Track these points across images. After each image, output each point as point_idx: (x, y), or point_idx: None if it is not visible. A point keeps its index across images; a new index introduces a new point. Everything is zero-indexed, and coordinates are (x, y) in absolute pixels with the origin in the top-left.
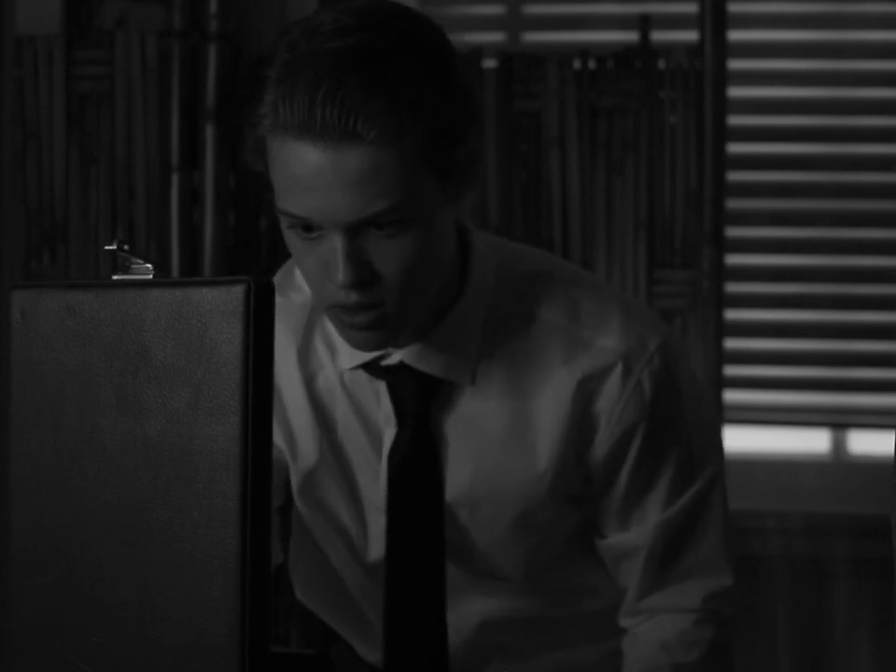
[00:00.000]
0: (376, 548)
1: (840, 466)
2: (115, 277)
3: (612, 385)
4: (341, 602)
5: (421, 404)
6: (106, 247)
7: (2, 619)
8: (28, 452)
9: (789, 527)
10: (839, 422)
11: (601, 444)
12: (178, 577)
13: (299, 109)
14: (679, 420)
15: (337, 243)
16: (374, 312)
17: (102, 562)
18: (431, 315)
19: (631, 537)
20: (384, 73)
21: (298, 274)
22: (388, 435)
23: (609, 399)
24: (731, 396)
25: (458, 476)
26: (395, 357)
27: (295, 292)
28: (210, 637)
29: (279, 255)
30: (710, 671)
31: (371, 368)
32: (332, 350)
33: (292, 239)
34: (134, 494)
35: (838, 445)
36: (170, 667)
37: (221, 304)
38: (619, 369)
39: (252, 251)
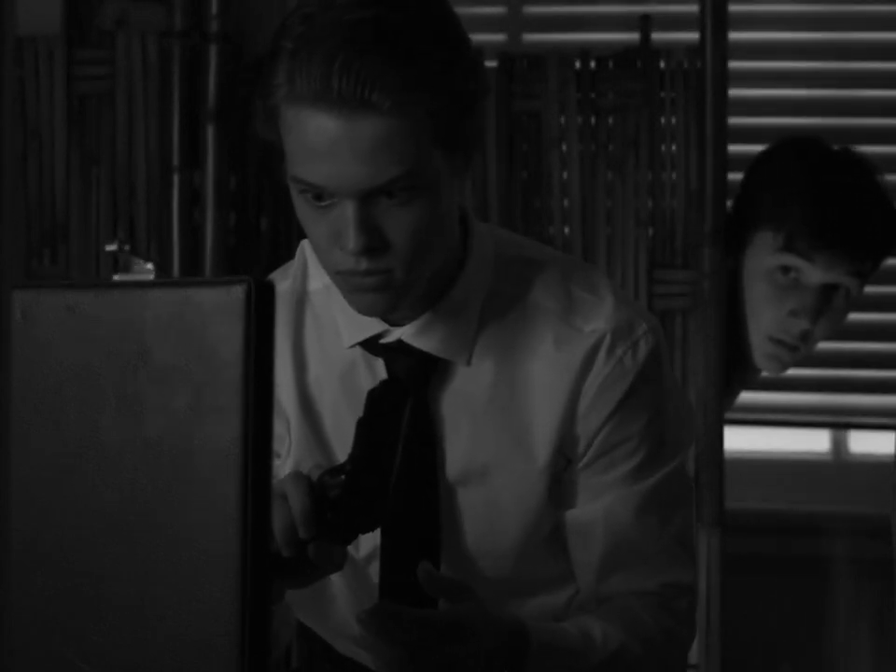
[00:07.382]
0: (367, 540)
1: (840, 466)
2: (115, 277)
3: (599, 361)
4: (324, 601)
5: (418, 382)
6: (107, 247)
7: (2, 619)
8: (28, 452)
9: (789, 527)
10: (839, 422)
11: (582, 418)
12: (178, 577)
13: (315, 79)
14: (656, 401)
15: (349, 210)
16: (382, 276)
17: (102, 562)
18: (432, 293)
19: (596, 507)
20: (399, 45)
21: (289, 263)
22: None
23: (595, 375)
24: None
25: (454, 455)
26: (394, 335)
27: (280, 280)
28: (210, 637)
29: (279, 255)
30: (662, 655)
31: (370, 346)
32: (322, 338)
33: (302, 206)
34: (134, 494)
35: (838, 445)
36: (170, 667)
37: (221, 304)
38: (605, 345)
39: (252, 251)
